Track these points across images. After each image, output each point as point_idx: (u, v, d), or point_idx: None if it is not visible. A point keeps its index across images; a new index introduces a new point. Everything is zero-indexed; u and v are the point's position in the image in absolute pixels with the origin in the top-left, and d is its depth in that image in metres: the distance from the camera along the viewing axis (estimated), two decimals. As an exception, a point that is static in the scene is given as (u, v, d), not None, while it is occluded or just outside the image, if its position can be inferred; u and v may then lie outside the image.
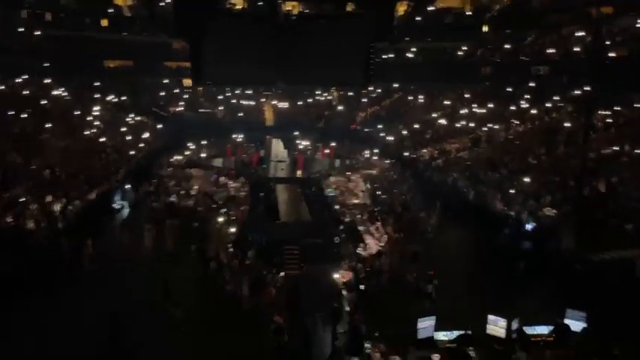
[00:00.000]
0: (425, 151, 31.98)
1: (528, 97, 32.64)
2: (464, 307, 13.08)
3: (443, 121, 36.22)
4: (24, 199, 16.76)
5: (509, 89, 35.09)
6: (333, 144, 38.78)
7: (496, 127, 30.53)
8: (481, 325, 10.57)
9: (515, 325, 10.38)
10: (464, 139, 30.90)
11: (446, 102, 39.96)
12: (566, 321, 10.31)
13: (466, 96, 39.24)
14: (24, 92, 31.29)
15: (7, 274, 13.04)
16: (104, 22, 40.51)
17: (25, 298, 12.77)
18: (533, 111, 30.30)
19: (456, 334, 10.32)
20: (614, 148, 21.23)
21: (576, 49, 30.00)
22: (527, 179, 20.77)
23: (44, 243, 15.15)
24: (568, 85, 28.86)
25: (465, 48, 40.29)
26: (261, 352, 11.93)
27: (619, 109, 25.13)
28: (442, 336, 10.51)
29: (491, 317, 10.55)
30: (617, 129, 23.23)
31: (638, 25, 27.14)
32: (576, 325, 10.16)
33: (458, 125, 34.11)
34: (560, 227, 16.31)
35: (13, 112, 25.99)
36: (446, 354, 8.60)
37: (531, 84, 32.71)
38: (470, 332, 10.16)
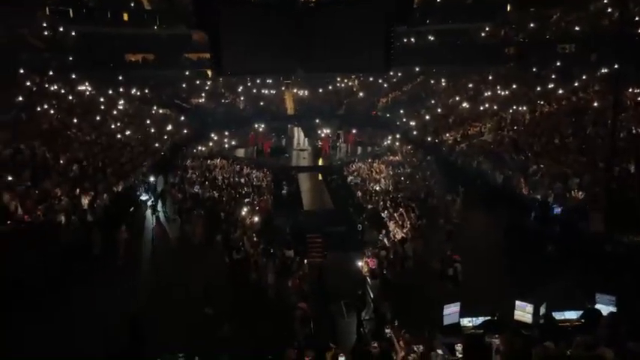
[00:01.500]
0: (448, 135, 31.56)
1: (554, 76, 31.87)
2: (491, 292, 12.95)
3: (466, 105, 35.67)
4: (54, 193, 17.14)
5: (535, 69, 34.28)
6: (354, 131, 38.67)
7: (521, 108, 29.89)
8: (508, 311, 10.43)
9: (542, 311, 10.21)
10: (488, 122, 30.35)
11: (469, 84, 39.31)
12: (597, 305, 10.09)
13: (489, 78, 38.50)
14: (51, 88, 31.96)
15: (37, 268, 13.36)
16: (125, 17, 41.04)
17: (58, 290, 13.07)
18: (560, 91, 29.55)
19: (481, 320, 10.20)
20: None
21: (604, 25, 29.11)
22: (553, 161, 20.33)
23: (75, 236, 15.47)
24: (596, 63, 28.01)
25: (487, 28, 39.51)
26: (287, 339, 12.01)
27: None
28: (467, 322, 10.40)
29: (518, 303, 10.38)
30: (647, 107, 22.49)
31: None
32: (607, 309, 9.93)
33: (481, 108, 33.54)
34: (589, 209, 15.93)
35: (41, 109, 26.63)
36: (465, 341, 8.49)
37: (557, 63, 31.90)
38: (496, 318, 10.04)
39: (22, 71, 30.52)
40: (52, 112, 27.10)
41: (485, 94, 35.47)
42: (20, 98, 26.49)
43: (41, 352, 10.13)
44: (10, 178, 16.55)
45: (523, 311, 10.26)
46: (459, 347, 7.45)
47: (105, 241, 16.28)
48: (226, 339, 10.82)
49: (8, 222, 13.91)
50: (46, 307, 12.26)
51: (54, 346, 10.37)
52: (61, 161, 20.50)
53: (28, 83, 30.15)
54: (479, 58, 38.81)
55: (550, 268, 14.08)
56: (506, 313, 10.21)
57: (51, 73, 33.43)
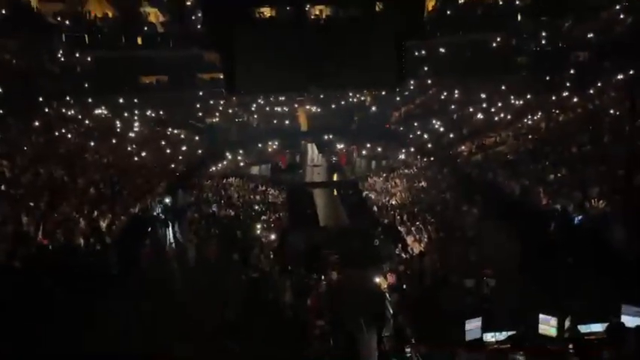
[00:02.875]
0: (463, 147, 31.36)
1: (568, 84, 31.58)
2: (513, 305, 12.72)
3: (480, 115, 35.45)
4: (72, 216, 17.33)
5: (548, 78, 34.05)
6: (368, 145, 38.78)
7: (536, 117, 29.62)
8: (532, 325, 10.20)
9: (567, 324, 9.98)
10: (502, 133, 30.12)
11: (482, 95, 39.11)
12: (623, 317, 9.82)
13: (502, 88, 38.28)
14: (68, 113, 32.55)
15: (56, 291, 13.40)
16: (139, 40, 41.77)
17: (75, 312, 13.06)
18: (575, 99, 29.22)
19: (504, 334, 10.00)
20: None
21: (617, 32, 28.89)
22: (572, 170, 20.04)
23: (93, 259, 15.55)
24: (611, 69, 27.72)
25: (499, 39, 39.40)
26: (306, 358, 11.89)
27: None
28: (490, 337, 10.20)
29: (542, 316, 10.15)
30: (666, 112, 22.08)
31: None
32: (633, 321, 9.65)
33: (496, 118, 33.32)
34: (611, 219, 15.62)
35: (58, 133, 27.11)
36: (490, 357, 8.31)
37: (571, 71, 31.66)
38: (519, 333, 9.83)
39: (40, 98, 31.13)
40: (69, 136, 27.57)
41: (499, 104, 35.26)
42: (37, 123, 27.03)
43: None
44: (30, 204, 16.79)
45: (547, 325, 10.03)
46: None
47: (123, 262, 16.37)
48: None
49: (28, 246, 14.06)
50: (63, 327, 12.22)
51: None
52: (79, 184, 20.77)
53: (46, 109, 30.76)
54: (491, 68, 38.64)
55: (573, 280, 13.80)
56: (530, 327, 10.00)
57: (68, 97, 34.06)
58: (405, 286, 15.31)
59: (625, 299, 10.19)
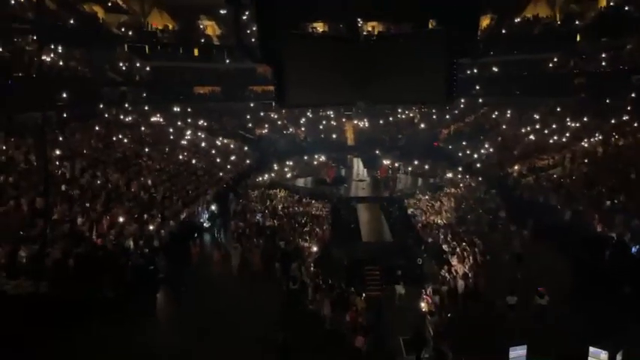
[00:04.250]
0: (514, 168, 30.50)
1: (629, 108, 30.27)
2: (561, 334, 12.19)
3: (532, 137, 34.45)
4: (124, 218, 17.99)
5: (607, 101, 32.79)
6: (416, 162, 38.46)
7: (592, 141, 28.48)
8: (580, 357, 9.75)
9: (619, 358, 9.48)
10: (556, 155, 29.11)
11: (535, 116, 38.04)
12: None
13: (558, 109, 37.14)
14: (126, 119, 34.06)
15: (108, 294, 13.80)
16: (195, 52, 43.50)
17: (122, 312, 13.44)
18: (635, 123, 27.94)
19: (551, 365, 9.61)
20: None
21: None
22: (630, 198, 19.09)
23: (141, 262, 16.02)
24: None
25: (555, 59, 38.42)
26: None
27: None
28: (536, 367, 9.83)
29: (592, 349, 9.70)
30: None
31: None
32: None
33: (550, 141, 32.27)
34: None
35: (116, 139, 28.37)
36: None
37: (632, 94, 30.39)
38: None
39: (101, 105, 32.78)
40: (125, 141, 28.77)
41: (554, 126, 34.19)
42: (97, 128, 28.38)
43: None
44: (87, 204, 17.57)
45: (597, 358, 9.59)
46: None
47: (170, 266, 16.82)
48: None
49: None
50: (110, 328, 12.61)
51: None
52: (132, 188, 21.56)
53: (106, 115, 32.31)
54: (546, 89, 37.68)
55: (627, 311, 13.08)
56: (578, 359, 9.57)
57: (126, 105, 35.71)
58: (446, 308, 14.95)
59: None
